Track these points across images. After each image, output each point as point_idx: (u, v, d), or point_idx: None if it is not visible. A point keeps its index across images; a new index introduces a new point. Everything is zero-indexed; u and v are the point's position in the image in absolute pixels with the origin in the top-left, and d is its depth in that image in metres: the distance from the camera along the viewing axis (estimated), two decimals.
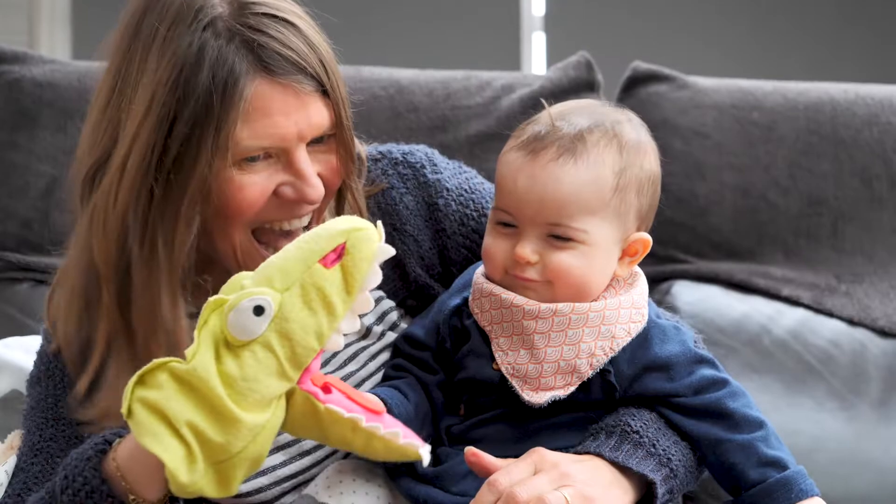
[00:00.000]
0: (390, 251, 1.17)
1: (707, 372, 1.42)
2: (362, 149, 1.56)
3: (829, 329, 2.12)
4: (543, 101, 1.47)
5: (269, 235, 1.43)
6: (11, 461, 1.53)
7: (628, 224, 1.43)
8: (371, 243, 1.18)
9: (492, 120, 2.14)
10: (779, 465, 1.39)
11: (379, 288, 1.52)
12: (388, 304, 1.57)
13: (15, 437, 1.62)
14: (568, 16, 4.71)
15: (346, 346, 1.53)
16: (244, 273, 1.20)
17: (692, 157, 2.18)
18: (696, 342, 1.48)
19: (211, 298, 1.18)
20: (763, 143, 2.19)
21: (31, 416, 1.50)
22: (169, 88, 1.33)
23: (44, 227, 2.11)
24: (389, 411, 1.41)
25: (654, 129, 2.16)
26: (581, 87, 2.19)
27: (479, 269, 1.47)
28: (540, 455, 1.35)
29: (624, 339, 1.40)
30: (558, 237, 1.39)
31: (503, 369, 1.39)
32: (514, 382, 1.39)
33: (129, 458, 1.25)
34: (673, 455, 1.39)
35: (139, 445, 1.17)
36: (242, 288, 1.18)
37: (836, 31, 4.69)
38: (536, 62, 4.71)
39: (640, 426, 1.39)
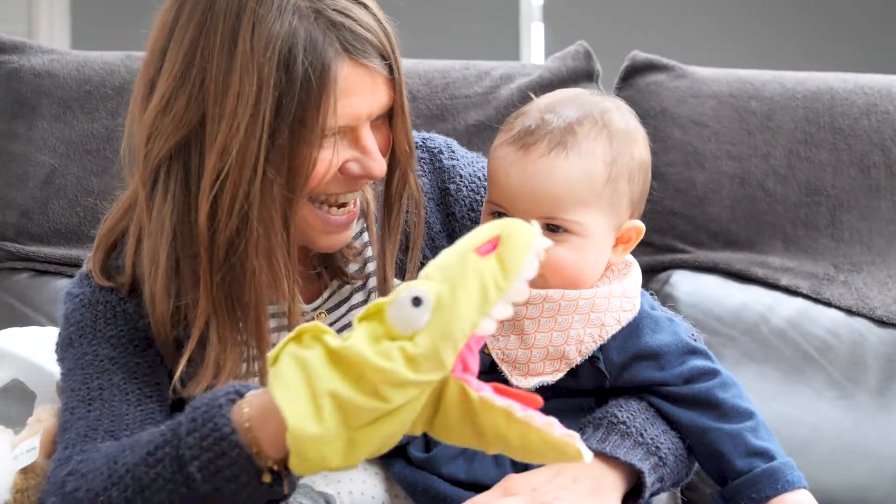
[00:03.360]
0: (547, 242, 1.16)
1: (698, 362, 1.43)
2: None
3: (827, 318, 2.12)
4: (532, 94, 1.47)
5: (327, 209, 1.45)
6: (27, 443, 1.53)
7: (621, 212, 1.43)
8: (527, 234, 1.15)
9: (490, 109, 2.15)
10: (766, 455, 1.39)
11: (396, 275, 1.55)
12: (396, 282, 1.58)
13: (43, 412, 1.61)
14: (567, 6, 4.70)
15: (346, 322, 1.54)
16: (405, 282, 1.19)
17: (691, 146, 2.18)
18: (693, 336, 1.48)
19: (371, 304, 1.17)
20: (761, 133, 2.19)
21: (80, 372, 1.47)
22: (275, 73, 1.33)
23: (43, 216, 2.11)
24: None
25: (653, 118, 2.18)
26: (580, 76, 2.19)
27: None
28: (511, 480, 1.36)
29: (613, 328, 1.40)
30: (553, 230, 1.40)
31: (493, 354, 1.40)
32: (504, 367, 1.40)
33: (263, 411, 1.22)
34: (662, 444, 1.39)
35: (273, 400, 1.15)
36: (400, 286, 1.17)
37: (834, 20, 4.69)
38: (535, 52, 4.70)
39: (627, 417, 1.40)
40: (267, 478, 1.23)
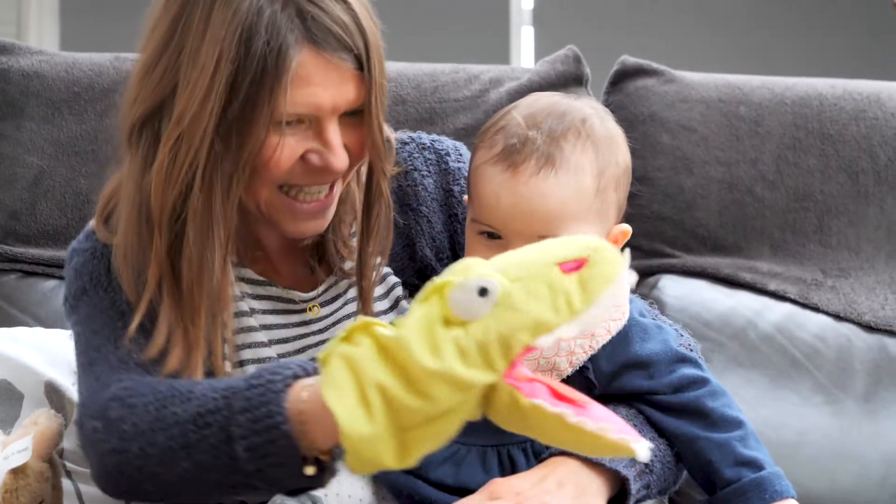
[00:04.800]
0: (633, 277, 1.16)
1: (688, 371, 1.42)
2: (391, 133, 1.60)
3: (815, 323, 2.13)
4: (509, 108, 1.47)
5: (294, 195, 1.47)
6: (20, 444, 1.52)
7: (610, 220, 1.43)
8: (616, 265, 1.14)
9: (480, 113, 2.14)
10: (755, 465, 1.38)
11: (389, 264, 1.58)
12: (394, 279, 1.61)
13: (40, 415, 1.61)
14: (556, 10, 4.71)
15: (349, 315, 1.57)
16: (477, 259, 1.18)
17: (679, 151, 2.19)
18: (690, 347, 1.48)
19: (437, 279, 1.16)
20: (750, 138, 2.19)
21: (98, 313, 1.49)
22: (234, 48, 1.37)
23: (31, 218, 2.10)
24: None
25: (642, 123, 2.19)
26: (569, 80, 2.19)
27: None
28: (495, 485, 1.35)
29: (604, 337, 1.40)
30: None
31: None
32: None
33: (318, 406, 1.22)
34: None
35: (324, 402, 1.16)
36: (471, 269, 1.15)
37: (823, 26, 4.70)
38: (525, 56, 4.71)
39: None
40: (311, 470, 1.25)
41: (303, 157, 1.44)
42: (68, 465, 1.74)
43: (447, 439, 1.16)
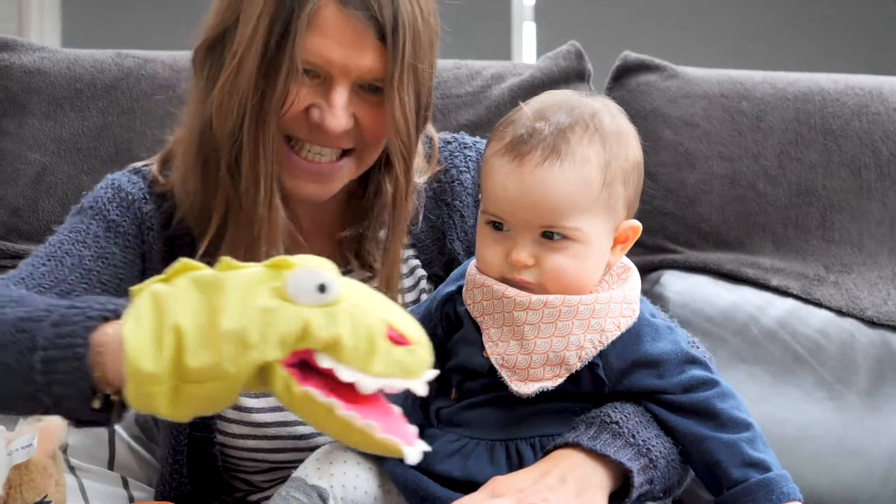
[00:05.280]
0: (421, 391, 1.19)
1: (698, 372, 1.42)
2: (434, 133, 1.66)
3: (817, 319, 2.12)
4: (520, 101, 1.48)
5: (297, 149, 1.52)
6: (24, 439, 1.53)
7: (618, 214, 1.43)
8: (422, 373, 1.17)
9: (482, 109, 2.14)
10: (762, 466, 1.38)
11: (416, 256, 1.64)
12: (422, 272, 1.65)
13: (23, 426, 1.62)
14: (558, 5, 4.71)
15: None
16: (336, 270, 1.21)
17: (681, 146, 2.18)
18: (692, 344, 1.48)
19: (290, 258, 1.19)
20: (752, 133, 2.19)
21: (67, 233, 1.57)
22: None
23: (33, 215, 2.10)
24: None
25: (644, 118, 2.18)
26: (571, 76, 2.19)
27: (474, 261, 1.48)
28: (497, 482, 1.36)
29: (613, 333, 1.40)
30: (552, 238, 1.40)
31: (492, 360, 1.40)
32: (504, 373, 1.39)
33: (117, 340, 1.22)
34: (653, 447, 1.39)
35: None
36: (329, 268, 1.18)
37: (825, 21, 4.69)
38: (527, 52, 4.71)
39: (620, 417, 1.39)
40: (97, 404, 1.24)
41: (307, 112, 1.48)
42: (72, 460, 1.75)
43: (219, 407, 1.18)
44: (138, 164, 1.65)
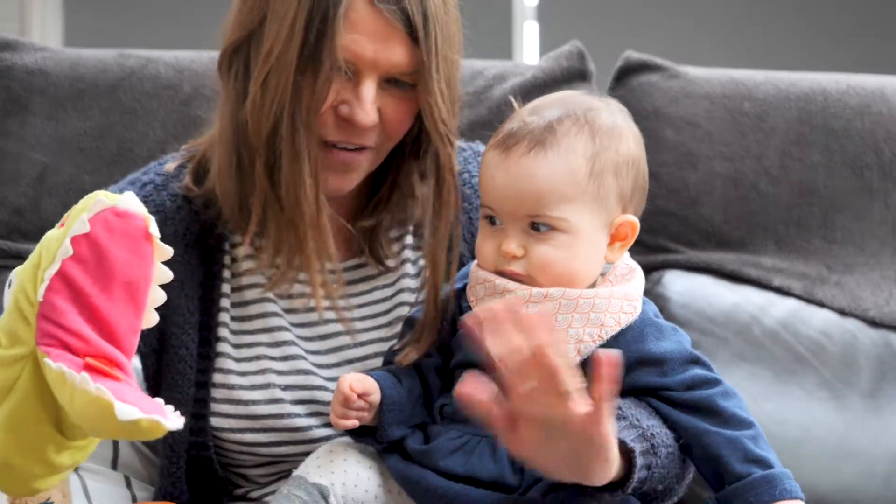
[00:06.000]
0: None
1: (700, 371, 1.43)
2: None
3: (819, 319, 2.12)
4: (513, 99, 1.51)
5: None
6: None
7: (610, 208, 1.43)
8: (85, 200, 1.16)
9: (483, 109, 2.14)
10: (764, 463, 1.38)
11: (425, 255, 1.62)
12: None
13: None
14: (560, 5, 4.71)
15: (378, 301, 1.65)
16: None
17: (683, 146, 2.18)
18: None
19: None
20: (754, 133, 2.19)
21: None
22: None
23: (35, 215, 2.10)
24: (382, 393, 1.44)
25: (646, 118, 2.18)
26: (573, 76, 2.19)
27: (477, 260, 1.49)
28: None
29: (613, 328, 1.40)
30: (539, 228, 1.41)
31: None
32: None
33: None
34: (656, 433, 1.38)
35: None
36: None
37: (828, 21, 4.69)
38: (529, 51, 4.71)
39: (623, 405, 1.39)
40: None
41: (336, 108, 1.49)
42: None
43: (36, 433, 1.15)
44: (143, 176, 1.67)
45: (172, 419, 1.09)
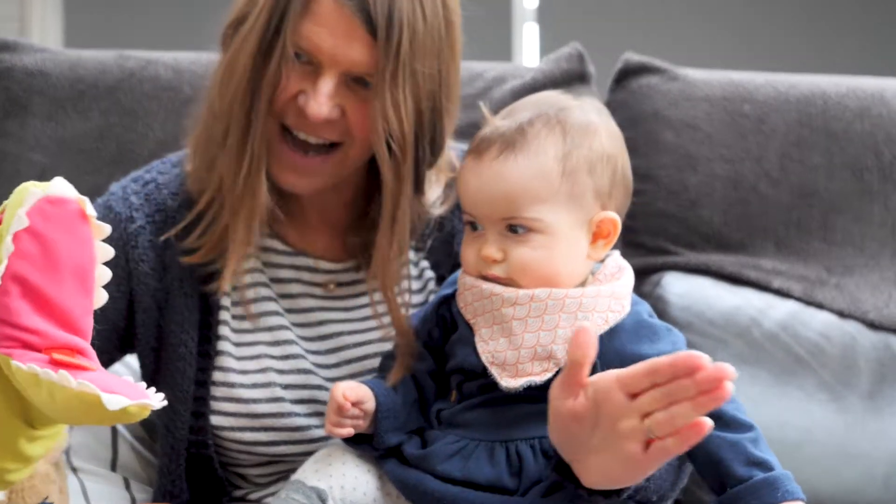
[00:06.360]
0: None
1: None
2: (452, 142, 1.66)
3: (819, 321, 2.12)
4: (482, 104, 1.52)
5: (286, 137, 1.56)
6: None
7: (587, 206, 1.43)
8: (20, 192, 1.16)
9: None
10: (766, 466, 1.38)
11: (427, 258, 1.66)
12: (430, 274, 1.67)
13: None
14: (561, 7, 4.71)
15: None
16: None
17: (683, 149, 2.18)
18: None
19: None
20: (754, 136, 2.19)
21: None
22: None
23: None
24: (376, 401, 1.44)
25: (645, 120, 2.18)
26: (573, 78, 2.19)
27: None
28: None
29: (601, 328, 1.40)
30: (516, 231, 1.42)
31: (483, 358, 1.41)
32: (493, 370, 1.40)
33: None
34: None
35: None
36: None
37: (827, 23, 4.69)
38: (529, 53, 4.71)
39: None
40: None
41: (296, 96, 1.51)
42: (74, 461, 1.75)
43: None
44: (146, 174, 1.68)
45: (155, 399, 1.09)
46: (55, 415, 1.12)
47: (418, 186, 1.57)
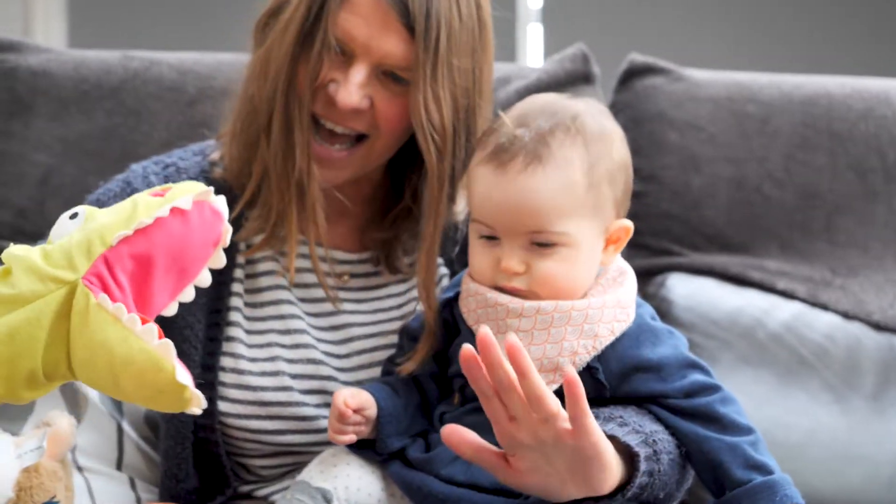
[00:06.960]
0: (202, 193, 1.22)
1: (699, 377, 1.42)
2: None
3: (823, 323, 2.12)
4: (500, 112, 1.50)
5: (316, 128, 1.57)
6: (33, 442, 1.53)
7: (606, 215, 1.43)
8: (192, 185, 1.20)
9: None
10: (765, 469, 1.38)
11: (440, 254, 1.64)
12: (444, 270, 1.66)
13: (55, 417, 1.62)
14: (565, 8, 4.70)
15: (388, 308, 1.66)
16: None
17: (687, 149, 2.18)
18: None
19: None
20: (758, 136, 2.19)
21: None
22: None
23: (38, 216, 2.11)
24: (378, 406, 1.44)
25: (650, 121, 2.18)
26: (577, 79, 2.19)
27: (469, 269, 1.48)
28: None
29: (607, 338, 1.40)
30: (541, 244, 1.40)
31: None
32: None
33: None
34: (659, 440, 1.38)
35: None
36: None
37: (832, 24, 4.69)
38: (533, 54, 4.70)
39: (624, 413, 1.40)
40: None
41: (327, 87, 1.52)
42: (80, 460, 1.75)
43: (22, 363, 1.15)
44: (167, 158, 1.69)
45: (201, 399, 1.14)
46: (102, 367, 1.14)
47: (453, 187, 1.57)
